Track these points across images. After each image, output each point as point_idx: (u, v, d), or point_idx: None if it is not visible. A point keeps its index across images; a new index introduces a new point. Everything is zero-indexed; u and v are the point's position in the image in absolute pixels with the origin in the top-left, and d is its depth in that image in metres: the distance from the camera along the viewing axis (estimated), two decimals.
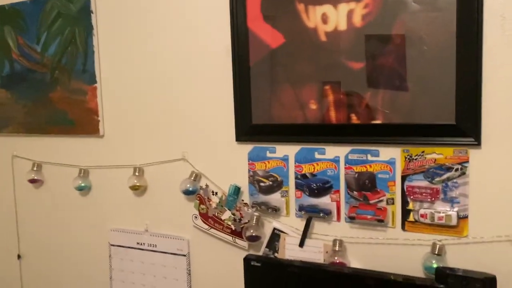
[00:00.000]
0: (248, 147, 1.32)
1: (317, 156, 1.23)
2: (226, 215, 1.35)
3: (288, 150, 1.27)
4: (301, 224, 1.25)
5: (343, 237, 1.21)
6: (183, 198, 1.43)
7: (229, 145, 1.35)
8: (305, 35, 1.20)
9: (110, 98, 1.52)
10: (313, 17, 1.18)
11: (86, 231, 1.64)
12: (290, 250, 1.24)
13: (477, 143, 1.05)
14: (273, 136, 1.27)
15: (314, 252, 1.22)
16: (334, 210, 1.22)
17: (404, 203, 1.14)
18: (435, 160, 1.10)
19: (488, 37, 1.02)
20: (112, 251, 1.57)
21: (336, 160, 1.21)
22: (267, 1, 1.23)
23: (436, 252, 1.09)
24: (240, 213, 1.33)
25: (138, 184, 1.48)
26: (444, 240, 1.10)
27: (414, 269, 1.13)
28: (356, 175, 1.18)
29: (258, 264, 1.17)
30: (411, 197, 1.13)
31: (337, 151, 1.21)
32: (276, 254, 1.27)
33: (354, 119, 1.17)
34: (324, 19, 1.18)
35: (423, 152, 1.11)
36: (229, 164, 1.36)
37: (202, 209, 1.39)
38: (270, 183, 1.29)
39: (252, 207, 1.31)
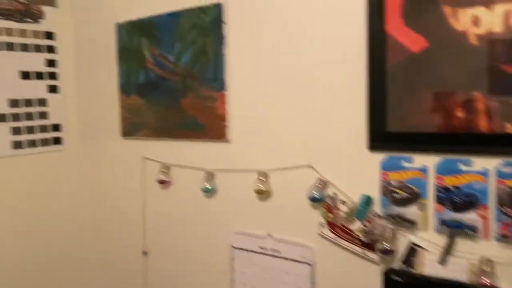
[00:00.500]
0: (380, 156, 1.28)
1: (461, 167, 1.14)
2: (356, 225, 1.31)
3: (427, 160, 1.20)
4: (440, 240, 1.17)
5: (492, 256, 1.11)
6: (307, 205, 1.42)
7: (359, 153, 1.31)
8: (452, 39, 1.13)
9: (237, 105, 1.57)
10: (462, 19, 1.11)
11: (209, 232, 1.70)
12: (429, 267, 1.17)
13: None
14: (410, 145, 1.21)
15: (457, 271, 1.13)
16: (480, 227, 1.12)
17: None
18: None
19: None
20: (235, 253, 1.60)
21: (484, 173, 1.11)
22: (409, 5, 1.19)
23: None
24: (372, 225, 1.28)
25: (263, 188, 1.50)
26: None
27: None
28: (511, 190, 1.07)
29: (400, 279, 1.10)
30: None
31: (486, 163, 1.11)
32: (412, 271, 1.20)
33: (509, 128, 1.07)
34: (475, 21, 1.10)
35: None
36: (358, 173, 1.32)
37: (330, 217, 1.37)
38: (406, 194, 1.23)
39: (385, 219, 1.26)
